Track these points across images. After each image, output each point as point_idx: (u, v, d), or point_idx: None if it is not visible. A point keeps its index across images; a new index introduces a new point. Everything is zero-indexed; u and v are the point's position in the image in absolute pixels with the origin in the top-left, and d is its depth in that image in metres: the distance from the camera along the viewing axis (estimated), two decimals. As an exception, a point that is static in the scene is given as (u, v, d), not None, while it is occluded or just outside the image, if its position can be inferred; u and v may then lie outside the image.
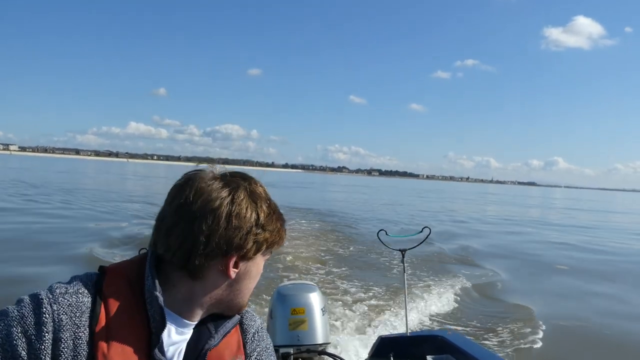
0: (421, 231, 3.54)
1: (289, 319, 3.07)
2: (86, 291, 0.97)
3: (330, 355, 2.98)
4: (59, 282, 0.98)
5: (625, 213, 47.96)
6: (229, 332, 1.12)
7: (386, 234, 3.55)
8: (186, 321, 1.05)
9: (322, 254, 10.75)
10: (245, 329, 1.18)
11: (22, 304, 0.93)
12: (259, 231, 1.05)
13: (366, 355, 3.64)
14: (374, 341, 3.50)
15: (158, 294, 0.98)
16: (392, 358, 3.05)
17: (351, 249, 11.80)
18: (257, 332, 1.19)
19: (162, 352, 0.99)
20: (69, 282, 0.99)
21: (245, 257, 1.06)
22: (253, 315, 1.22)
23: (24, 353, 0.88)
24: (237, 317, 1.14)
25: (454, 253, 12.26)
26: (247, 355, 1.15)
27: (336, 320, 6.13)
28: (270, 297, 3.42)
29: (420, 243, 3.75)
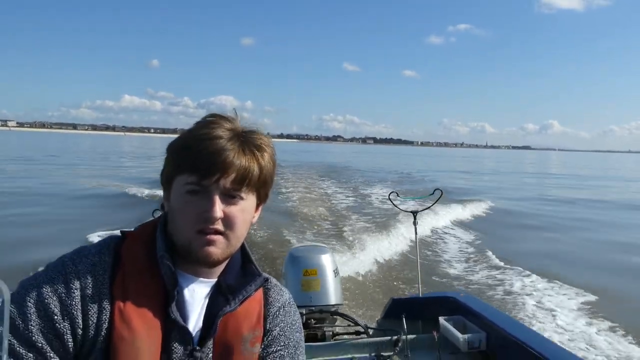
0: (432, 193, 3.53)
1: (302, 280, 3.12)
2: (107, 252, 1.01)
3: (342, 315, 3.08)
4: (83, 246, 1.04)
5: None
6: (249, 296, 1.09)
7: (397, 195, 3.58)
8: (201, 279, 1.06)
9: (334, 215, 11.16)
10: (270, 302, 1.14)
11: (49, 267, 0.98)
12: (167, 156, 1.05)
13: (378, 316, 3.66)
14: (386, 302, 3.50)
15: (164, 252, 1.01)
16: (404, 319, 2.99)
17: (363, 210, 12.06)
18: (283, 307, 1.16)
19: (182, 311, 1.01)
20: (93, 245, 1.03)
21: (166, 186, 1.06)
22: (281, 289, 1.19)
23: (56, 310, 0.92)
24: (259, 279, 1.11)
25: (466, 213, 12.37)
26: (267, 331, 1.12)
27: (349, 282, 5.97)
28: (283, 260, 3.48)
29: (432, 205, 3.76)
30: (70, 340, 0.93)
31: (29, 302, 0.92)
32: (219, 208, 0.98)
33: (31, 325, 0.90)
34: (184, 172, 0.99)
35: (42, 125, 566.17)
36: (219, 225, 0.99)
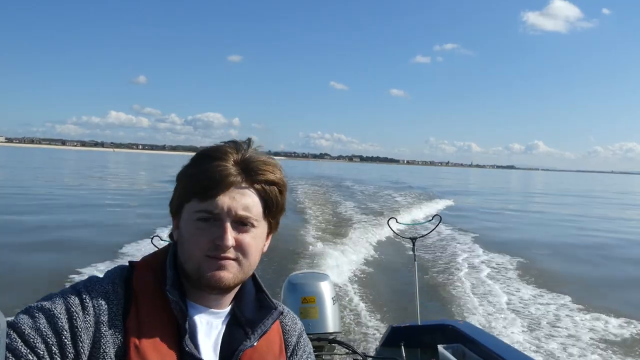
0: (432, 219, 3.62)
1: (300, 308, 3.07)
2: (119, 283, 0.98)
3: (341, 343, 3.02)
4: (94, 275, 1.00)
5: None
6: (267, 330, 1.07)
7: (397, 221, 3.63)
8: (213, 309, 1.04)
9: (332, 240, 10.93)
10: (288, 331, 1.14)
11: (64, 290, 0.95)
12: (177, 185, 1.04)
13: (377, 344, 3.69)
14: (384, 330, 3.52)
15: (170, 286, 0.98)
16: (403, 347, 2.99)
17: (361, 234, 11.81)
18: (301, 336, 1.16)
19: (195, 344, 0.98)
20: (103, 275, 1.01)
21: (176, 214, 1.04)
22: (294, 317, 1.18)
23: (66, 332, 0.89)
24: (276, 313, 1.09)
25: (466, 239, 12.22)
26: None
27: (347, 309, 5.98)
28: (281, 287, 3.43)
29: (431, 231, 3.95)
30: None
31: (38, 320, 0.89)
32: (230, 236, 0.97)
33: (37, 347, 0.86)
34: (193, 200, 0.99)
35: (31, 141, 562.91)
36: (231, 254, 0.99)
